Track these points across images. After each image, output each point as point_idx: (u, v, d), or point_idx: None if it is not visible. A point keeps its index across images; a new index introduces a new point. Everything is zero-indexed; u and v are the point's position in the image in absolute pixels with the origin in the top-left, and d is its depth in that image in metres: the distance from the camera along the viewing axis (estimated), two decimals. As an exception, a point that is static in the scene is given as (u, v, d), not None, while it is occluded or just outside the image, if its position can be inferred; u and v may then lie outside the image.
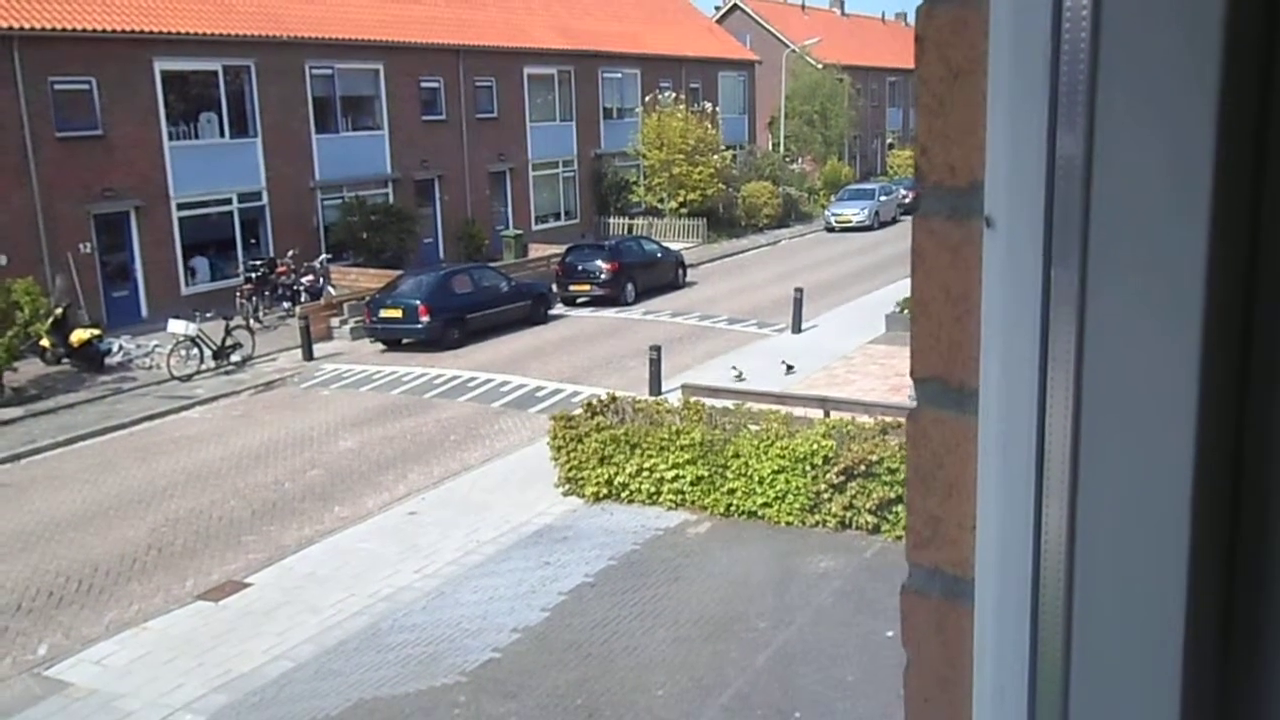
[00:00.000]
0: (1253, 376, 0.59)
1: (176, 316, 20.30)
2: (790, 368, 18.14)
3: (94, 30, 22.76)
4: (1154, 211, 0.57)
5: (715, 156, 37.62)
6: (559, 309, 25.08)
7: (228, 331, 20.50)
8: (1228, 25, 0.54)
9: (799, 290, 22.24)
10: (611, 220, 37.31)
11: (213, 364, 20.08)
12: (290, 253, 25.72)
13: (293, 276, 25.01)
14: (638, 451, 12.63)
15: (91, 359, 19.79)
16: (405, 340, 21.77)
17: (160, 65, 24.33)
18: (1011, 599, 0.65)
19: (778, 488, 11.83)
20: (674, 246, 31.12)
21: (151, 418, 17.53)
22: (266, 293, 24.61)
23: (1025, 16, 0.60)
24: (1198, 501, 0.58)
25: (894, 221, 39.44)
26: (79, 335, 19.71)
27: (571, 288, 25.86)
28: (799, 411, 12.87)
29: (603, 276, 25.65)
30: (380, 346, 22.05)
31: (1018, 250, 0.63)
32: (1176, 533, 0.58)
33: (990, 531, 0.66)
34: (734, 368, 18.05)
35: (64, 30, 22.21)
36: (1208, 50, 0.54)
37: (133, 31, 23.47)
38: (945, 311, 0.73)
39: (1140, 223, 0.58)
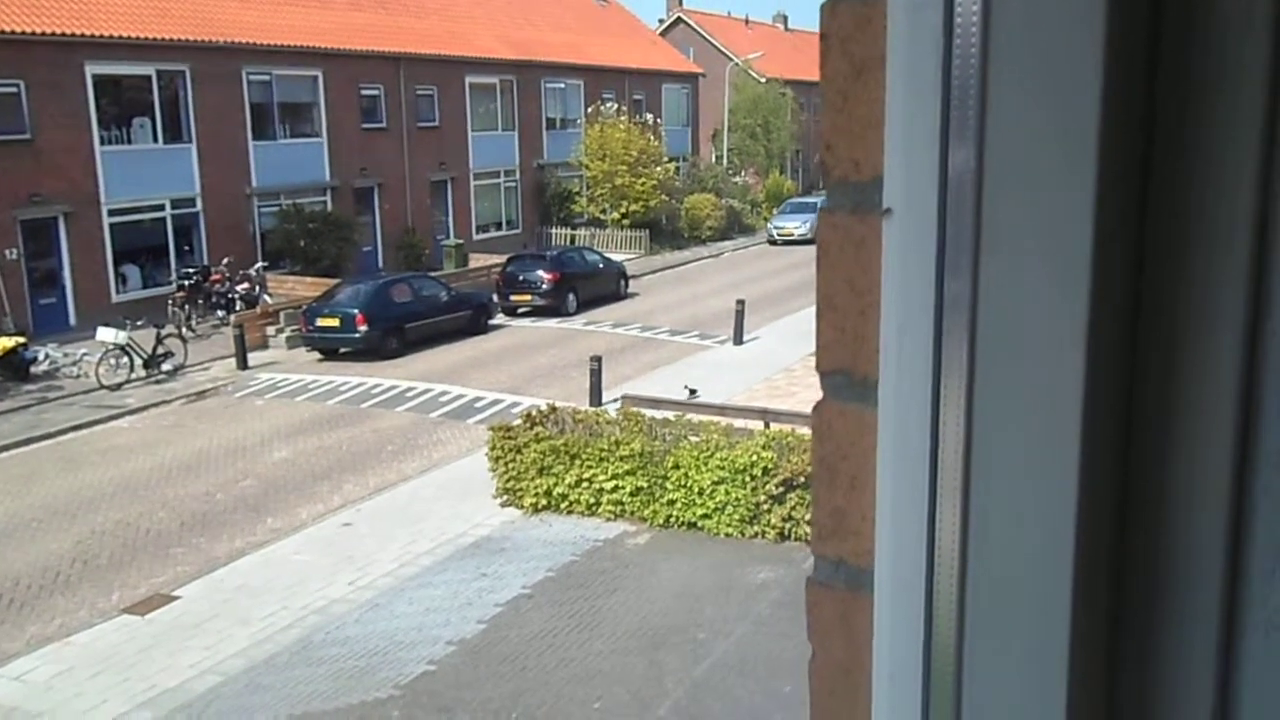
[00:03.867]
0: (1137, 380, 0.60)
1: (106, 324, 19.81)
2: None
3: (21, 32, 22.18)
4: (1041, 211, 0.58)
5: (658, 168, 37.76)
6: (500, 319, 24.96)
7: (159, 340, 20.05)
8: (1110, 32, 0.55)
9: (741, 302, 22.38)
10: (554, 231, 37.23)
11: (143, 373, 19.64)
12: (225, 260, 25.28)
13: (227, 284, 24.59)
14: (577, 462, 12.59)
15: (16, 368, 19.24)
16: (342, 349, 21.50)
17: (92, 69, 23.78)
18: (907, 588, 0.66)
19: (717, 499, 11.87)
20: (616, 258, 31.12)
21: (79, 427, 17.09)
22: (200, 300, 24.17)
23: (919, 15, 0.61)
24: (1084, 500, 0.59)
25: (834, 235, 39.82)
26: (2, 343, 19.17)
27: (513, 298, 25.73)
28: (739, 423, 12.94)
29: (544, 287, 25.57)
30: (317, 356, 21.74)
31: (914, 247, 0.63)
32: (1063, 529, 0.60)
33: (887, 523, 0.67)
34: (686, 385, 17.38)
35: (-10, 31, 21.67)
36: (1091, 53, 0.56)
37: (62, 34, 22.91)
38: (850, 304, 0.73)
39: (1028, 222, 0.59)
